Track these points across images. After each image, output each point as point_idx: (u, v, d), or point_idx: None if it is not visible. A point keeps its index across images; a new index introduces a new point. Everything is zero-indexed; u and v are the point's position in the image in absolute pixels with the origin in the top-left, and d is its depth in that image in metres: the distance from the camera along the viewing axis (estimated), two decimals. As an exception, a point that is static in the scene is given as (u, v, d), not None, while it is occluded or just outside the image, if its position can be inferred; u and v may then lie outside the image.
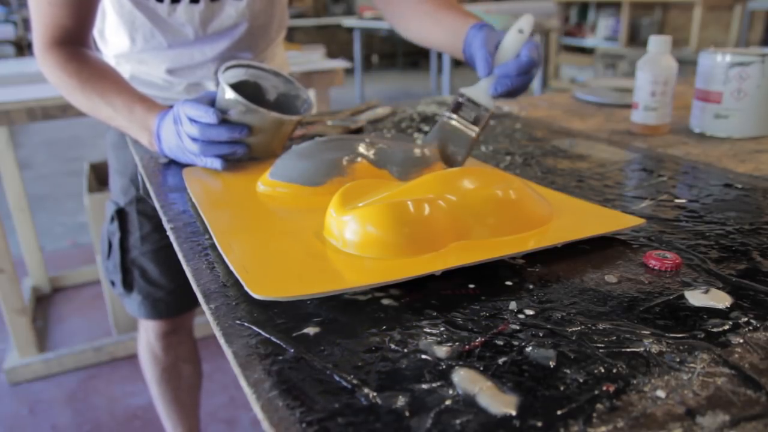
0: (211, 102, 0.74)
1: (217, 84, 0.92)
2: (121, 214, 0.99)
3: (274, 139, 0.76)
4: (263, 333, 0.39)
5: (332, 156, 0.65)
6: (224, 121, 0.72)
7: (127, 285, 1.02)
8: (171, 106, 0.77)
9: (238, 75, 0.79)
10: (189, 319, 1.14)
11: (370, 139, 0.69)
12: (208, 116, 0.70)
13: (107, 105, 0.81)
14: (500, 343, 0.38)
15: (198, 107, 0.70)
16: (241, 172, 0.73)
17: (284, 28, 1.06)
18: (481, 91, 0.71)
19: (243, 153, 0.73)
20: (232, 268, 0.46)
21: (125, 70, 0.96)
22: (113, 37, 0.94)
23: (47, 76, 0.85)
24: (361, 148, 0.67)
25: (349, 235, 0.49)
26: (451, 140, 0.71)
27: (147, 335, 1.12)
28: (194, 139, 0.71)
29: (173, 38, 0.91)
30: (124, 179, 0.99)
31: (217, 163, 0.72)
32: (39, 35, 0.83)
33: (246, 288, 0.42)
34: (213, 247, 0.53)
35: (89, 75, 0.82)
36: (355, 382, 0.35)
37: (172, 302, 1.05)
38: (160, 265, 1.01)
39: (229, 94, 0.71)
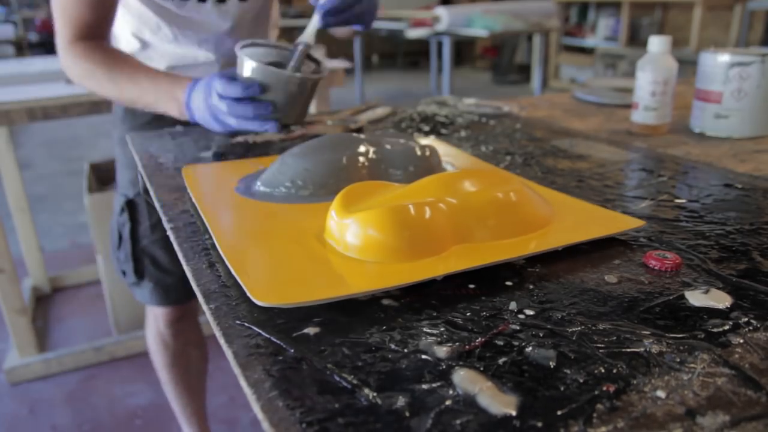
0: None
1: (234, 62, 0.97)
2: (130, 205, 1.01)
3: (298, 102, 0.81)
4: (263, 333, 0.39)
5: (332, 156, 0.65)
6: (251, 98, 0.77)
7: (139, 273, 1.04)
8: (197, 79, 0.82)
9: (262, 54, 0.84)
10: (195, 305, 1.17)
11: (370, 139, 0.69)
12: (241, 91, 0.75)
13: (134, 85, 0.86)
14: (500, 343, 0.38)
15: (230, 85, 0.76)
16: (241, 171, 0.73)
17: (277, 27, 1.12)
18: (308, 30, 0.84)
19: (272, 119, 0.78)
20: (234, 273, 0.46)
21: None
22: (120, 32, 0.98)
23: (71, 70, 0.89)
24: (362, 148, 0.67)
25: (351, 239, 0.49)
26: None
27: (156, 323, 1.15)
28: (226, 114, 0.77)
29: (181, 33, 0.96)
30: (132, 172, 1.02)
31: (256, 125, 0.77)
32: (63, 32, 0.87)
33: (249, 294, 0.42)
34: (213, 247, 0.53)
35: (113, 61, 0.87)
36: (355, 382, 0.35)
37: (183, 288, 1.08)
38: (170, 251, 1.03)
39: (249, 65, 0.76)
